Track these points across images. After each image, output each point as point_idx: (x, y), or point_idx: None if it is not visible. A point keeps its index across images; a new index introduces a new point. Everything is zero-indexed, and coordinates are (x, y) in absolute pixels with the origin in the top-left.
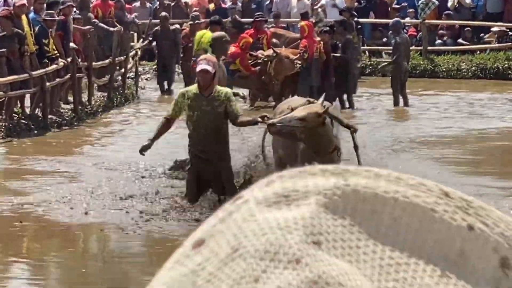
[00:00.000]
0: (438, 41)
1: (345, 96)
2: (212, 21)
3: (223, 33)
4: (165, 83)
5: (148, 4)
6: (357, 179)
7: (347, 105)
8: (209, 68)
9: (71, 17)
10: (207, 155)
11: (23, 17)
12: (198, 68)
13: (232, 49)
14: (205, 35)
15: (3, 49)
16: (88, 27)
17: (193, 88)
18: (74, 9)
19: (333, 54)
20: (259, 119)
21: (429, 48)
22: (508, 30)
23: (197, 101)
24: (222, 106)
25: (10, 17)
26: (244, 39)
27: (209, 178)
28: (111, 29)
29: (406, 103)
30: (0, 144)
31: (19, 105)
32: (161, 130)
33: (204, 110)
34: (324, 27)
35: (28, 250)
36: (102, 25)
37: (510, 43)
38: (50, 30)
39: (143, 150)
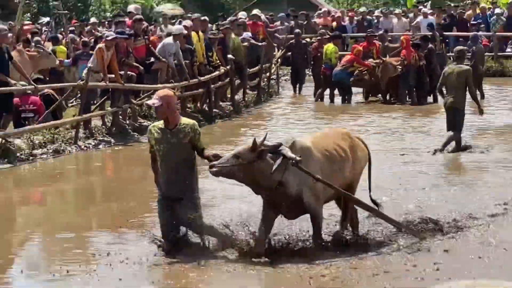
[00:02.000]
0: (508, 49)
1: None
2: (333, 36)
3: None
4: (297, 85)
5: (285, 23)
6: None
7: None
8: (156, 102)
9: (229, 35)
10: (174, 190)
11: (194, 34)
12: (151, 103)
13: (347, 57)
14: (329, 47)
15: (186, 60)
16: (245, 43)
17: (159, 123)
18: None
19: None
20: (207, 157)
21: (498, 53)
22: None
23: (162, 135)
24: (187, 137)
25: (185, 36)
26: (356, 48)
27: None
28: (259, 43)
29: (482, 96)
30: None
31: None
32: (155, 169)
33: (170, 142)
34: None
35: None
36: (253, 41)
37: None
38: (213, 45)
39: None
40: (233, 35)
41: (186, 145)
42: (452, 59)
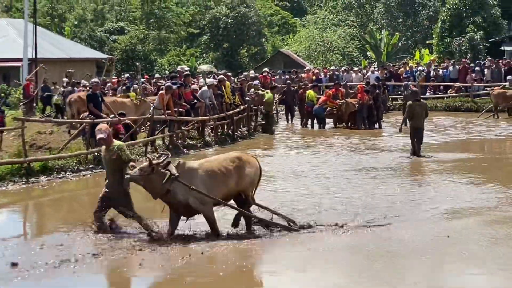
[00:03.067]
0: (427, 93)
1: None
2: (313, 85)
3: None
4: (290, 117)
5: (282, 77)
6: None
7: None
8: (102, 135)
9: (246, 85)
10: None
11: (226, 83)
12: (97, 137)
13: (322, 98)
14: (310, 92)
15: (216, 101)
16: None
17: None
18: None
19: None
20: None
21: (421, 96)
22: (462, 87)
23: (104, 153)
24: (114, 154)
25: (217, 85)
26: (328, 92)
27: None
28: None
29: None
30: (213, 149)
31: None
32: None
33: (105, 158)
34: (367, 87)
35: None
36: (261, 87)
37: (462, 93)
38: (235, 91)
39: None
40: (269, 95)
41: (114, 160)
42: (390, 99)
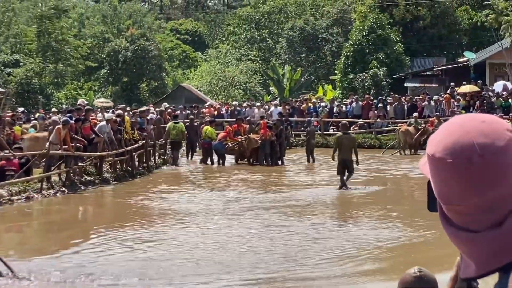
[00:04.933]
0: (330, 130)
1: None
2: (210, 121)
3: None
4: (191, 153)
5: (183, 112)
6: None
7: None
8: None
9: (146, 119)
10: None
11: (125, 118)
12: None
13: (222, 134)
14: (208, 128)
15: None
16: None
17: None
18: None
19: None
20: None
21: (324, 132)
22: (364, 123)
23: None
24: None
25: (115, 121)
26: (228, 128)
27: None
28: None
29: (314, 161)
30: (111, 186)
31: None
32: None
33: None
34: (270, 123)
35: None
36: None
37: (365, 130)
38: (134, 126)
39: None
40: (180, 124)
41: None
42: (293, 135)
